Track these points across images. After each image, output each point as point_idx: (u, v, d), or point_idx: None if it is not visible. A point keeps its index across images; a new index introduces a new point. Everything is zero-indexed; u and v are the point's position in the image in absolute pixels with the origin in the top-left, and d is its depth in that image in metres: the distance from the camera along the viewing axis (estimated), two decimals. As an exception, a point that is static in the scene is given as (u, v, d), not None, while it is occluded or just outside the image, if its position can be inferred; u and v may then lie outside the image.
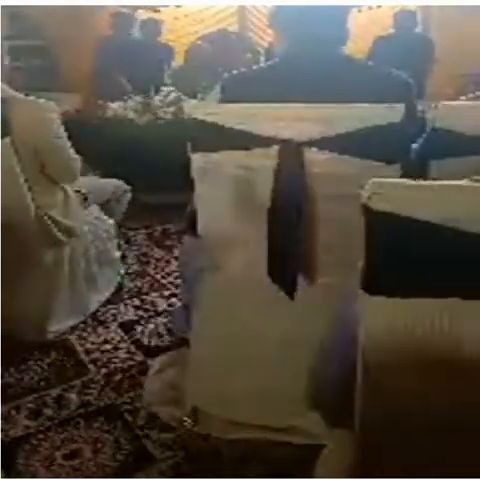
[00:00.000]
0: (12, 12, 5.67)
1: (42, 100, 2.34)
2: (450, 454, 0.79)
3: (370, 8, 6.24)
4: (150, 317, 2.66)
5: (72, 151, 2.45)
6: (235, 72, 1.86)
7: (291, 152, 1.55)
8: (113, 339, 2.48)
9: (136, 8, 6.15)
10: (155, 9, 6.44)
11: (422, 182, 0.67)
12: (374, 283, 0.70)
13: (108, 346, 2.43)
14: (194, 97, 3.84)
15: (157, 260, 3.31)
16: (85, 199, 2.71)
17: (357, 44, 1.96)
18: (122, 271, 3.03)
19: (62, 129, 2.39)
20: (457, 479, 0.78)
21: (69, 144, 2.43)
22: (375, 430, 0.82)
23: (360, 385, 0.79)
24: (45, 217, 2.39)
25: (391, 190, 0.66)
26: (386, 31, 5.65)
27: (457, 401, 0.73)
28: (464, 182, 0.65)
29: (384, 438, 0.83)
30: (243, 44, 6.31)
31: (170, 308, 2.73)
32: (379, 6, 6.28)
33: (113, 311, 2.71)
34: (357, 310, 0.73)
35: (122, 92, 4.26)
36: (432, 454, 0.80)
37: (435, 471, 0.80)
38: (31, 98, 2.36)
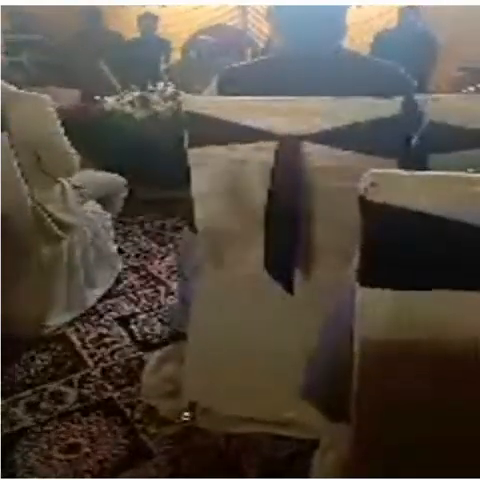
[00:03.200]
0: (10, 7, 5.66)
1: (38, 94, 2.34)
2: (448, 447, 0.79)
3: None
4: (148, 311, 2.66)
5: (68, 144, 2.44)
6: (233, 65, 1.85)
7: (289, 146, 1.54)
8: (111, 333, 2.48)
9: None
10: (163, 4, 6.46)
11: (419, 173, 0.67)
12: (370, 275, 0.70)
13: (106, 340, 2.43)
14: (191, 91, 3.82)
15: (154, 255, 3.31)
16: (82, 194, 2.71)
17: (354, 40, 1.95)
18: (120, 266, 3.03)
19: (58, 123, 2.38)
20: (458, 479, 0.78)
21: (65, 138, 2.42)
22: (371, 423, 0.82)
23: (355, 377, 0.79)
24: (42, 212, 2.39)
25: (388, 181, 0.65)
26: (386, 26, 5.65)
27: (453, 393, 0.73)
28: (461, 173, 0.65)
29: (380, 432, 0.83)
30: (243, 38, 6.30)
31: (167, 303, 2.73)
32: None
33: (111, 306, 2.71)
34: (353, 303, 0.73)
35: (112, 88, 4.25)
36: (429, 447, 0.80)
37: (434, 467, 0.79)
38: (27, 92, 2.35)
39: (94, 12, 5.90)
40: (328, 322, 0.92)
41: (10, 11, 5.54)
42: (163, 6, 6.51)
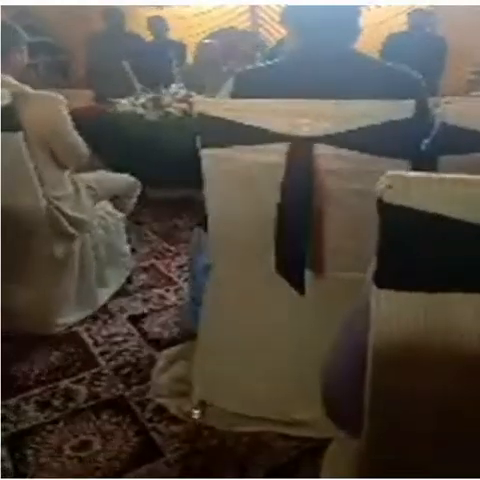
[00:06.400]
0: (21, 9, 5.70)
1: (50, 93, 2.37)
2: (466, 456, 0.77)
3: (378, 6, 6.21)
4: (158, 311, 2.67)
5: (78, 138, 2.46)
6: (247, 68, 1.86)
7: (301, 148, 1.54)
8: (122, 332, 2.49)
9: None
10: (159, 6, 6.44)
11: (438, 175, 0.66)
12: (387, 277, 0.69)
13: (117, 339, 2.44)
14: (202, 93, 3.84)
15: (165, 254, 3.32)
16: (95, 194, 2.72)
17: (366, 43, 1.96)
18: (131, 265, 3.04)
19: (70, 120, 2.40)
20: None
21: (75, 132, 2.45)
22: (384, 432, 0.80)
23: (369, 384, 0.77)
24: (56, 210, 2.40)
25: (405, 184, 0.65)
26: (396, 29, 5.64)
27: (470, 399, 0.71)
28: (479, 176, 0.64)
29: (393, 440, 0.81)
30: (253, 41, 6.29)
31: (178, 302, 2.74)
32: (395, 4, 6.24)
33: (122, 304, 2.73)
34: (368, 306, 0.72)
35: (129, 89, 4.25)
36: (444, 458, 0.79)
37: (449, 474, 0.77)
38: (40, 92, 2.38)
39: (110, 14, 5.85)
40: (343, 328, 0.90)
41: (19, 11, 5.56)
42: (166, 7, 6.49)
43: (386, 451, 0.83)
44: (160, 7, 6.39)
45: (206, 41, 5.74)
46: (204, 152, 1.69)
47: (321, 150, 1.54)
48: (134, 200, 3.12)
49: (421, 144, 1.63)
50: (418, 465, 0.81)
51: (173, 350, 2.28)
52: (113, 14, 5.77)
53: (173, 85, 3.92)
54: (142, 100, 3.82)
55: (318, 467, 1.19)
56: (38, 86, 2.51)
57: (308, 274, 1.67)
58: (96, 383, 2.15)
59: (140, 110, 3.75)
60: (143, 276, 3.03)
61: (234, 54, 5.61)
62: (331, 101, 1.51)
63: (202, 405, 1.92)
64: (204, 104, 1.68)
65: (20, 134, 2.23)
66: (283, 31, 1.91)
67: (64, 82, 5.19)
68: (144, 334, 2.48)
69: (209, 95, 3.59)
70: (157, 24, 5.79)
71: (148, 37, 5.92)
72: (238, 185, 1.69)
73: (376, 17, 5.90)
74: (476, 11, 5.30)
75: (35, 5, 5.82)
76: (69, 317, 2.53)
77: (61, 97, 2.35)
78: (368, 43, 4.73)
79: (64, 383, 2.16)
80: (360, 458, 0.87)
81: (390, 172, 0.65)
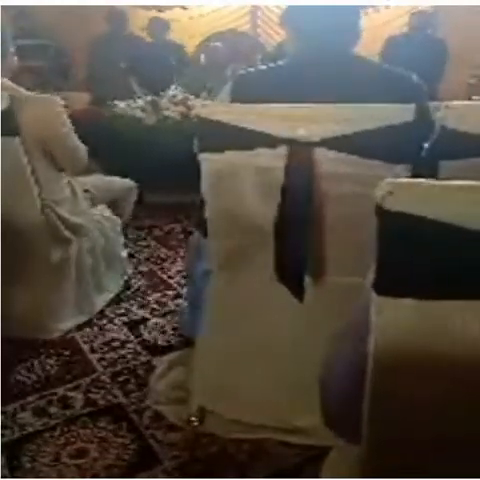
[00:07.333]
0: (19, 11, 5.69)
1: (47, 95, 2.37)
2: (466, 465, 0.77)
3: (387, 7, 6.22)
4: (156, 317, 2.66)
5: (77, 140, 2.45)
6: (247, 71, 1.86)
7: (301, 152, 1.54)
8: (119, 338, 2.48)
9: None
10: (159, 9, 6.44)
11: (438, 182, 0.66)
12: (386, 284, 0.69)
13: (114, 345, 2.43)
14: (201, 96, 3.84)
15: (163, 260, 3.31)
16: (92, 198, 2.71)
17: (368, 45, 1.95)
18: (129, 270, 3.03)
19: (68, 122, 2.39)
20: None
21: (75, 135, 2.44)
22: (383, 440, 0.80)
23: (368, 392, 0.77)
24: (52, 214, 2.40)
25: (405, 190, 0.65)
26: (396, 32, 5.65)
27: (472, 408, 0.71)
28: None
29: (393, 448, 0.81)
30: (253, 44, 6.31)
31: (176, 308, 2.73)
32: (397, 6, 6.25)
33: (119, 310, 2.71)
34: (368, 313, 0.72)
35: (131, 92, 4.25)
36: (444, 463, 0.78)
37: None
38: (37, 94, 2.38)
39: (114, 17, 5.83)
40: (341, 335, 0.90)
41: (16, 13, 5.56)
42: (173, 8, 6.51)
43: (386, 457, 0.83)
44: (160, 10, 6.37)
45: (211, 44, 5.75)
46: (203, 156, 1.68)
47: (321, 154, 1.54)
48: (132, 204, 3.11)
49: (421, 149, 1.62)
50: (419, 470, 0.81)
51: (172, 356, 2.27)
52: (117, 16, 5.77)
53: (172, 86, 3.92)
54: (140, 103, 3.81)
55: (318, 474, 1.18)
56: (36, 89, 2.50)
57: (308, 280, 1.66)
58: (93, 390, 2.13)
59: (138, 113, 3.74)
60: (141, 281, 3.01)
61: (236, 57, 5.63)
62: (330, 105, 1.51)
63: (201, 412, 1.90)
64: (204, 108, 1.67)
65: (18, 139, 2.22)
66: (282, 33, 1.91)
67: (65, 85, 5.18)
68: (142, 340, 2.46)
69: (211, 98, 3.60)
70: (156, 26, 5.79)
71: (149, 39, 5.93)
72: (238, 189, 1.68)
73: (379, 19, 5.91)
74: (476, 11, 5.30)
75: (35, 8, 5.82)
76: (66, 322, 2.51)
77: (59, 100, 2.35)
78: (370, 45, 4.74)
79: (61, 390, 2.14)
80: (361, 464, 0.87)
81: (390, 178, 0.65)
